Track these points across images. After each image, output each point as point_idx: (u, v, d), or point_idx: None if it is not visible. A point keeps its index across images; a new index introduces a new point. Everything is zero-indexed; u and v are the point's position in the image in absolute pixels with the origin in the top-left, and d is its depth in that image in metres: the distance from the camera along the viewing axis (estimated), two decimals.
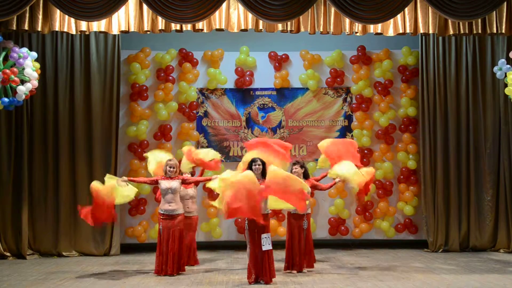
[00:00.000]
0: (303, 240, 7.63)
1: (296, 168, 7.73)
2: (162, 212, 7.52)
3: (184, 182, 7.71)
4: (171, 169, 7.56)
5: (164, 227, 7.47)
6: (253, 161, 7.01)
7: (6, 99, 7.87)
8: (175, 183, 7.52)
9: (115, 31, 8.33)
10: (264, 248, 6.78)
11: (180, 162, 8.14)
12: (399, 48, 10.08)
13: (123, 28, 8.23)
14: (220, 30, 8.32)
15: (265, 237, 6.80)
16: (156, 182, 7.60)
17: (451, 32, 8.40)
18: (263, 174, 6.94)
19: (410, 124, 9.99)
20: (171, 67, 9.96)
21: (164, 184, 7.52)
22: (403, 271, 7.69)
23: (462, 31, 8.37)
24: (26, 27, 7.94)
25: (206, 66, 10.13)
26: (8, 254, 8.98)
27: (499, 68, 8.44)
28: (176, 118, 10.01)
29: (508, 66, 8.35)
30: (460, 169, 9.50)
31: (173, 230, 7.44)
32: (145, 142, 9.78)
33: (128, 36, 9.44)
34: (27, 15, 7.89)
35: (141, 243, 9.74)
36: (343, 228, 9.93)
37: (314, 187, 7.84)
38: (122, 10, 8.01)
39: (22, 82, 8.07)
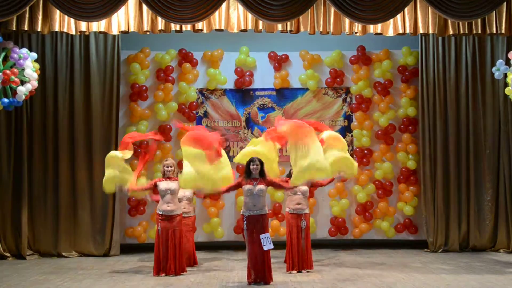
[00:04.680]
0: (302, 240, 7.64)
1: None
2: (160, 213, 7.50)
3: None
4: (169, 168, 7.55)
5: (162, 228, 7.45)
6: (251, 160, 7.00)
7: (6, 100, 7.88)
8: (174, 184, 7.51)
9: (114, 31, 8.36)
10: (265, 248, 6.77)
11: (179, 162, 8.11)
12: (398, 48, 10.07)
13: (122, 29, 8.25)
14: (220, 30, 8.34)
15: (265, 237, 6.79)
16: (155, 185, 7.58)
17: (451, 32, 8.42)
18: (261, 173, 6.95)
19: (410, 124, 9.98)
20: (170, 67, 9.95)
21: (163, 185, 7.50)
22: (403, 271, 7.69)
23: (461, 31, 8.40)
24: (25, 27, 7.96)
25: (206, 67, 10.12)
26: (7, 254, 8.97)
27: (497, 68, 8.43)
28: (176, 119, 10.00)
29: (506, 66, 8.35)
30: (460, 169, 9.50)
31: (172, 231, 7.43)
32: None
33: (128, 37, 9.44)
34: (27, 15, 7.91)
35: (140, 243, 9.73)
36: (343, 228, 9.93)
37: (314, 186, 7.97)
38: (121, 11, 8.03)
39: (22, 82, 8.08)
